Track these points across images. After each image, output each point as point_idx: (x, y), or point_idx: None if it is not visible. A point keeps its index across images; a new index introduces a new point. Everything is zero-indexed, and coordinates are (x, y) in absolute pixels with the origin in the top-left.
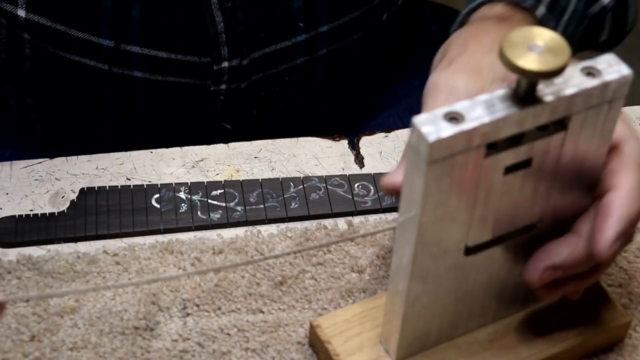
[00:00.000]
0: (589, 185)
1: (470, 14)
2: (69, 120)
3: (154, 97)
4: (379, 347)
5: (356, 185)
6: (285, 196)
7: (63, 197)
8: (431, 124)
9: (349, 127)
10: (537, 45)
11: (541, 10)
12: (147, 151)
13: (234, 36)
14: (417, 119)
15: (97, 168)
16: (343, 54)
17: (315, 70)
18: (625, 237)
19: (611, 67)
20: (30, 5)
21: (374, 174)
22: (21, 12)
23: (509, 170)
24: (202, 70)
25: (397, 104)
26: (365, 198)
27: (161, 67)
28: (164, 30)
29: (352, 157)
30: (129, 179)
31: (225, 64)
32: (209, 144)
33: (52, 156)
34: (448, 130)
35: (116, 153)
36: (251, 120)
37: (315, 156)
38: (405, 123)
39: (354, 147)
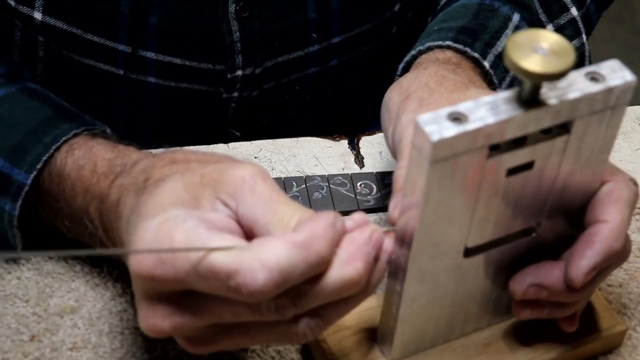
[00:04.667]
0: (589, 193)
1: (418, 56)
2: None
3: (166, 103)
4: (375, 348)
5: (359, 184)
6: (288, 195)
7: None
8: (434, 124)
9: (349, 127)
10: (542, 47)
11: (489, 60)
12: (147, 151)
13: (249, 45)
14: (421, 119)
15: None
16: (353, 65)
17: (325, 81)
18: (600, 272)
19: (615, 73)
20: (47, 8)
21: (376, 172)
22: (37, 15)
23: (511, 172)
24: (215, 77)
25: None
26: (368, 197)
27: (175, 74)
28: (180, 37)
29: (352, 157)
30: None
31: (239, 72)
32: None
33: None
34: (451, 130)
35: None
36: (260, 127)
37: (315, 156)
38: None
39: (354, 147)
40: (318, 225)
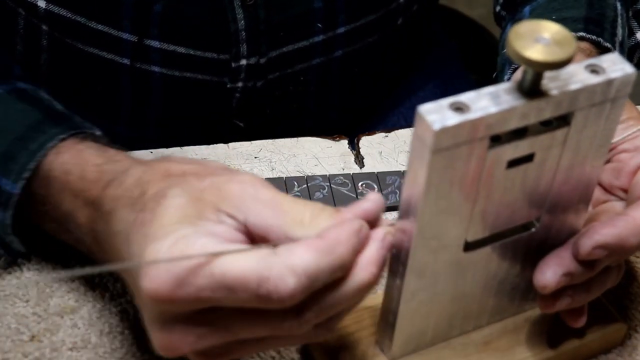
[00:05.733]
0: (588, 187)
1: None
2: (83, 113)
3: (170, 93)
4: (374, 346)
5: (360, 184)
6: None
7: None
8: (436, 113)
9: (351, 126)
10: (544, 37)
11: (617, 50)
12: (147, 151)
13: (253, 34)
14: (423, 108)
15: None
16: (358, 57)
17: (330, 72)
18: (610, 258)
19: (615, 65)
20: None
21: (377, 172)
22: (41, 3)
23: (512, 164)
24: (220, 67)
25: (402, 103)
26: None
27: (179, 63)
28: (184, 25)
29: (352, 157)
30: None
31: (244, 62)
32: (221, 142)
33: None
34: (453, 119)
35: None
36: (264, 119)
37: (315, 156)
38: (409, 122)
39: (354, 147)
40: (342, 232)
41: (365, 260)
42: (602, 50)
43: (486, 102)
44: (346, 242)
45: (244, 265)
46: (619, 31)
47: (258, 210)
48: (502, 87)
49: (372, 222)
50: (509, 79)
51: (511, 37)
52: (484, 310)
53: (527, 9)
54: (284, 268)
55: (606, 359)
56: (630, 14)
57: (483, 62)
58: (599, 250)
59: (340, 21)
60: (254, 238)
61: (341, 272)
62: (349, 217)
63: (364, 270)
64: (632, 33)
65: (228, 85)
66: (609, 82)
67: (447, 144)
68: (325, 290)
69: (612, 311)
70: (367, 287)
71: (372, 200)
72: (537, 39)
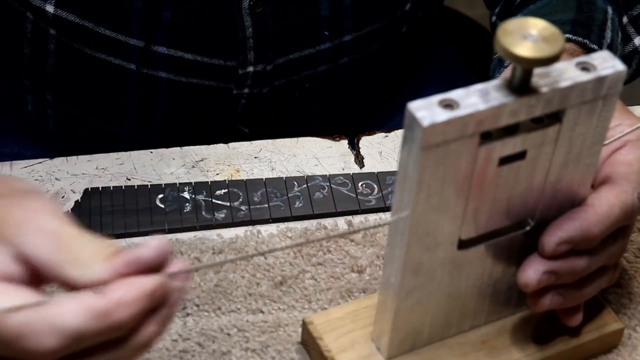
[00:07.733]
0: (582, 185)
1: None
2: (88, 118)
3: (176, 99)
4: (371, 345)
5: (360, 184)
6: (289, 195)
7: (63, 197)
8: (426, 109)
9: (355, 125)
10: (532, 34)
11: None
12: (147, 151)
13: (261, 41)
14: (412, 105)
15: (97, 168)
16: (363, 63)
17: (335, 78)
18: (577, 249)
19: (606, 63)
20: (59, 1)
21: (377, 172)
22: (50, 8)
23: (504, 161)
24: (226, 73)
25: (403, 106)
26: (369, 197)
27: (186, 69)
28: (192, 32)
29: (352, 157)
30: (129, 179)
31: (250, 69)
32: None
33: (52, 156)
34: (442, 115)
35: (116, 153)
36: (268, 124)
37: (315, 156)
38: None
39: (354, 147)
40: (130, 292)
41: (149, 320)
42: (589, 52)
43: (475, 98)
44: (132, 305)
45: (2, 317)
46: (608, 34)
47: (36, 242)
48: (491, 84)
49: (156, 269)
50: None
51: (499, 35)
52: (480, 310)
53: (519, 16)
54: (46, 326)
55: (606, 358)
56: (627, 20)
57: (483, 63)
58: (564, 245)
59: (346, 29)
60: (31, 268)
61: (120, 332)
62: (133, 262)
63: (146, 331)
64: (629, 39)
65: (234, 92)
66: (600, 80)
67: (437, 140)
68: (97, 348)
69: (610, 311)
70: (144, 347)
71: (153, 247)
72: (525, 35)
